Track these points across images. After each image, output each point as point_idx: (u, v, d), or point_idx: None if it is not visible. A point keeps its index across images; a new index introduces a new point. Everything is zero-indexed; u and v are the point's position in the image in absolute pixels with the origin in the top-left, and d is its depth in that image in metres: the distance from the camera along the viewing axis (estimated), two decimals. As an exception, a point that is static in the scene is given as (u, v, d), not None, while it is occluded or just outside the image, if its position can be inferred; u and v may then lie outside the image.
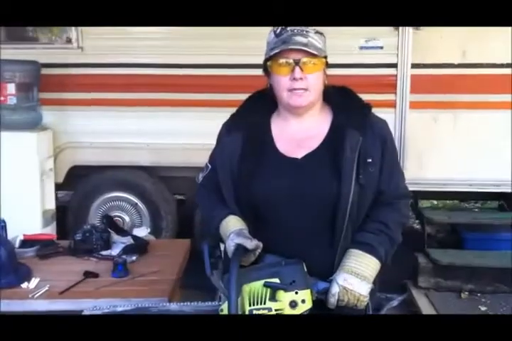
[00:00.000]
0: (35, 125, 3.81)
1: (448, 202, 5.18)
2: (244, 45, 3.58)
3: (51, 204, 4.03)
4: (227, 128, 1.78)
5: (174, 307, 1.82)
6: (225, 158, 1.73)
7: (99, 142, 4.03)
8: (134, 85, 3.96)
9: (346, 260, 1.63)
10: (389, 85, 3.78)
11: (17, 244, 2.61)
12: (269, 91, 1.73)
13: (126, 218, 4.25)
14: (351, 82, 3.64)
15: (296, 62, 1.61)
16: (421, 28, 3.63)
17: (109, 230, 2.65)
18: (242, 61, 3.62)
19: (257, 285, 1.51)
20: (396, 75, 3.76)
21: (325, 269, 1.63)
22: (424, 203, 4.97)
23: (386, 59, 3.74)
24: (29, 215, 3.76)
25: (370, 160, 1.67)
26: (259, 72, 1.75)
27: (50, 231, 3.94)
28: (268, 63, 1.67)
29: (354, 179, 1.63)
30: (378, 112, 3.73)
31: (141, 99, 3.98)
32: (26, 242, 2.61)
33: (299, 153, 1.70)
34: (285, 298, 1.49)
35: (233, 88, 3.47)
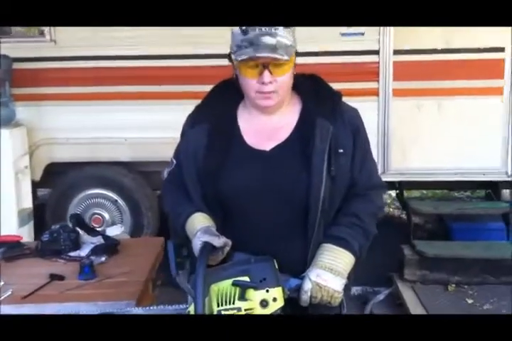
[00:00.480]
0: (8, 121, 3.71)
1: (437, 191, 5.10)
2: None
3: (28, 203, 3.94)
4: (192, 121, 1.69)
5: (139, 311, 1.72)
6: (189, 151, 1.65)
7: (76, 138, 3.93)
8: (110, 78, 3.86)
9: (319, 255, 1.56)
10: (371, 73, 3.69)
11: (-17, 246, 2.51)
12: (236, 81, 1.63)
13: (106, 215, 4.17)
14: (333, 70, 3.62)
15: (265, 66, 1.52)
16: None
17: (78, 230, 2.55)
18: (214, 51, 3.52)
19: (225, 285, 1.45)
20: (378, 62, 3.66)
21: (298, 265, 1.57)
22: (411, 193, 4.89)
23: (368, 45, 3.64)
24: (4, 215, 3.67)
25: (341, 151, 1.60)
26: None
27: (28, 230, 3.85)
28: (233, 59, 1.55)
29: (325, 170, 1.56)
30: (361, 101, 3.67)
31: (118, 93, 3.88)
32: (-8, 244, 2.51)
33: (267, 145, 1.63)
34: (255, 296, 1.43)
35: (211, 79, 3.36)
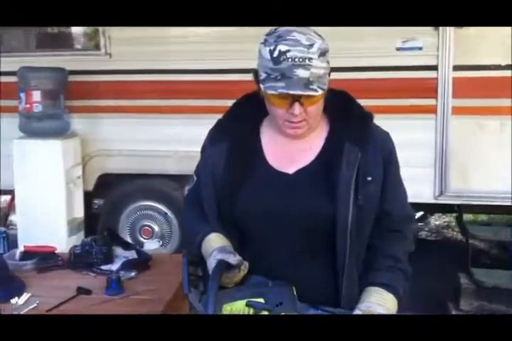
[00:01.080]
0: (62, 132, 3.79)
1: (499, 216, 4.81)
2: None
3: (79, 213, 3.99)
4: (212, 137, 1.61)
5: None
6: (207, 170, 1.57)
7: (128, 150, 3.96)
8: (163, 92, 3.87)
9: (366, 297, 1.49)
10: (429, 89, 3.50)
11: (17, 256, 2.52)
12: (261, 96, 1.51)
13: (156, 228, 4.16)
14: (388, 86, 3.47)
15: (296, 99, 1.41)
16: (463, 27, 3.34)
17: (112, 244, 2.52)
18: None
19: (239, 305, 1.39)
20: (436, 78, 3.48)
21: (319, 295, 1.50)
22: (470, 217, 4.62)
23: (425, 61, 3.47)
24: (54, 224, 3.74)
25: (370, 179, 1.50)
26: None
27: (77, 240, 3.89)
28: (261, 88, 1.44)
29: (352, 199, 1.46)
30: (417, 119, 3.51)
31: (171, 106, 3.89)
32: (26, 254, 2.52)
33: (290, 168, 1.53)
34: None
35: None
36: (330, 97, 1.55)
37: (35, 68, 3.64)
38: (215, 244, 1.50)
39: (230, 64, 3.72)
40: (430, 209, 4.25)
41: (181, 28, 3.42)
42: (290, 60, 1.38)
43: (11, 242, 2.78)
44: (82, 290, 2.24)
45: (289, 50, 1.38)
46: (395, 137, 3.58)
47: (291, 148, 1.55)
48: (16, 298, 2.18)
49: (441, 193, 3.65)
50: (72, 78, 3.80)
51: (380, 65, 3.49)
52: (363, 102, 3.60)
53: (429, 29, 3.37)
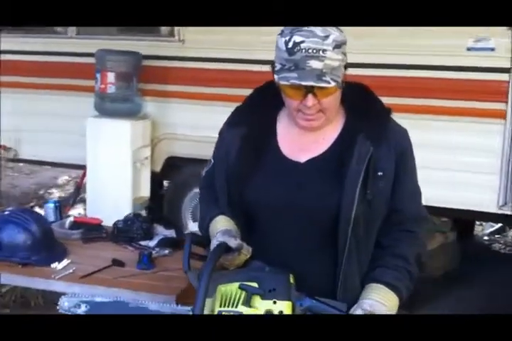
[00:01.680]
0: (133, 114, 3.96)
1: None
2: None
3: (145, 192, 4.17)
4: (229, 122, 1.65)
5: (153, 306, 1.72)
6: (222, 153, 1.61)
7: (195, 135, 4.04)
8: (233, 80, 3.93)
9: (368, 292, 1.49)
10: (499, 93, 3.34)
11: (67, 225, 2.71)
12: (278, 88, 1.52)
13: None
14: (455, 87, 3.35)
15: (309, 90, 1.42)
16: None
17: (154, 221, 2.66)
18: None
19: (232, 287, 1.42)
20: (508, 82, 3.31)
21: (319, 287, 1.49)
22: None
23: (497, 62, 3.30)
24: (120, 200, 3.91)
25: (381, 174, 1.49)
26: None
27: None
28: (275, 78, 1.46)
29: (358, 193, 1.46)
30: (484, 123, 3.38)
31: (239, 95, 3.93)
32: (75, 224, 2.70)
33: (302, 157, 1.55)
34: (261, 305, 1.39)
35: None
36: (349, 91, 1.55)
37: (111, 51, 3.83)
38: (221, 227, 1.54)
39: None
40: (491, 219, 4.05)
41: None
42: (304, 50, 1.39)
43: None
44: (116, 262, 2.39)
45: (303, 41, 1.39)
46: (458, 140, 3.45)
47: (305, 138, 1.57)
48: (56, 263, 2.36)
49: (505, 203, 3.49)
50: (146, 62, 3.96)
51: (449, 65, 3.37)
52: (427, 101, 3.50)
53: (503, 29, 3.21)
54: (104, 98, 3.85)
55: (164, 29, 3.99)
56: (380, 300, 1.46)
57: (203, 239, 1.63)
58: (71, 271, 2.31)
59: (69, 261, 2.39)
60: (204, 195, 1.71)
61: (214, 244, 1.47)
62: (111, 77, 3.78)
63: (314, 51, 1.39)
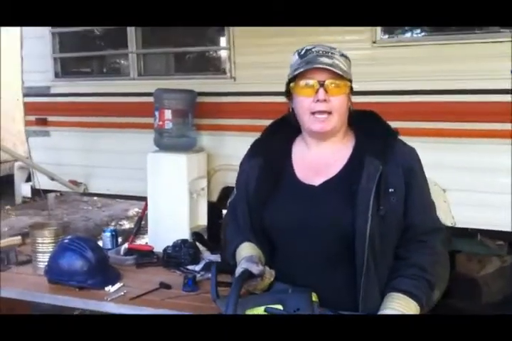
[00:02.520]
0: (189, 148, 4.18)
1: None
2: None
3: (203, 221, 4.35)
4: (249, 154, 1.80)
5: None
6: (242, 184, 1.75)
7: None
8: (282, 112, 4.09)
9: (389, 302, 1.57)
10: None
11: (122, 252, 2.92)
12: (292, 116, 1.71)
13: None
14: (500, 110, 3.36)
15: (321, 84, 1.58)
16: None
17: (199, 246, 2.81)
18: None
19: (258, 311, 1.50)
20: None
21: (341, 301, 1.59)
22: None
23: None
24: (179, 229, 4.09)
25: (392, 190, 1.60)
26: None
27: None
28: (291, 85, 1.64)
29: (371, 210, 1.57)
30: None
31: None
32: (129, 251, 2.91)
33: (316, 181, 1.67)
34: None
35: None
36: (357, 117, 1.70)
37: (168, 90, 4.09)
38: (245, 254, 1.66)
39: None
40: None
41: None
42: (315, 52, 1.60)
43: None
44: (163, 285, 2.55)
45: (314, 47, 1.62)
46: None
47: (318, 163, 1.69)
48: (110, 286, 2.55)
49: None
50: (201, 99, 4.20)
51: (492, 88, 3.39)
52: (472, 125, 3.47)
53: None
54: (162, 134, 4.09)
55: (217, 67, 4.23)
56: (400, 309, 1.53)
57: (229, 266, 1.72)
58: (122, 293, 2.50)
59: (121, 284, 2.58)
60: (229, 224, 1.83)
61: (238, 271, 1.58)
62: (168, 114, 4.03)
63: (324, 52, 1.60)
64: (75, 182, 4.82)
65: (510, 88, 3.35)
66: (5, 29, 5.98)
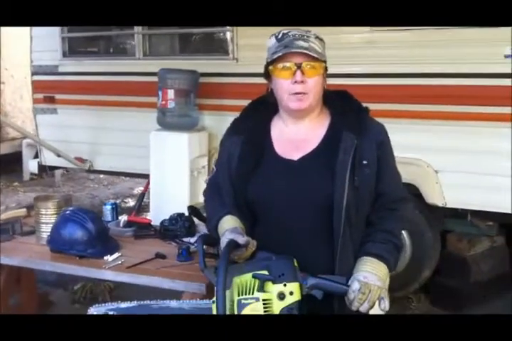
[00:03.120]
0: (190, 127, 4.29)
1: None
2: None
3: (202, 198, 4.46)
4: (229, 132, 1.90)
5: (174, 304, 1.89)
6: (224, 160, 1.84)
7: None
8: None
9: (361, 265, 1.70)
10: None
11: (121, 224, 3.05)
12: (270, 96, 1.81)
13: None
14: (494, 93, 3.43)
15: (298, 66, 1.68)
16: None
17: (195, 220, 2.94)
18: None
19: (246, 277, 1.60)
20: None
21: (321, 268, 1.69)
22: None
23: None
24: (179, 206, 4.20)
25: (365, 162, 1.72)
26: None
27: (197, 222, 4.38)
28: (270, 67, 1.74)
29: (348, 181, 1.69)
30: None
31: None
32: (129, 223, 3.04)
33: (295, 155, 1.78)
34: (273, 289, 1.58)
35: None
36: (332, 96, 1.82)
37: (172, 70, 4.19)
38: (228, 226, 1.75)
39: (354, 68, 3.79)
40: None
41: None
42: (291, 36, 1.69)
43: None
44: (158, 255, 2.68)
45: (289, 31, 1.71)
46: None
47: (296, 139, 1.79)
48: (108, 256, 2.69)
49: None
50: (204, 79, 4.29)
51: (486, 72, 3.46)
52: (465, 108, 3.51)
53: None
54: (165, 113, 4.20)
55: (220, 49, 4.31)
56: (372, 271, 1.66)
57: (212, 239, 1.83)
58: (119, 262, 2.63)
59: (119, 254, 2.71)
60: (209, 199, 1.93)
61: (224, 241, 1.68)
62: (171, 93, 4.13)
63: (300, 36, 1.69)
64: (80, 159, 4.94)
65: (503, 72, 3.43)
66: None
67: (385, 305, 1.61)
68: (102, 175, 7.07)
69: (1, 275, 3.00)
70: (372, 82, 3.72)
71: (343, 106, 1.80)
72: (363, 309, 1.61)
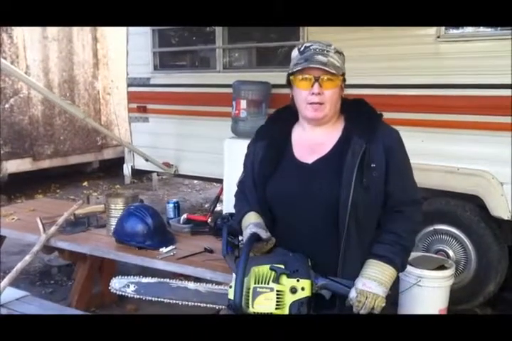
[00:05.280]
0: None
1: None
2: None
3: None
4: (255, 138, 2.05)
5: (191, 285, 1.96)
6: (249, 163, 2.01)
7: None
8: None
9: (365, 269, 1.80)
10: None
11: (181, 221, 3.35)
12: (293, 105, 1.95)
13: (450, 252, 3.91)
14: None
15: (316, 79, 1.80)
16: None
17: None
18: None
19: (264, 268, 1.73)
20: None
21: (328, 266, 1.81)
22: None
23: None
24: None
25: (373, 165, 1.81)
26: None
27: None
28: (291, 77, 1.89)
29: (354, 182, 1.78)
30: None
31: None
32: (187, 220, 3.34)
33: (310, 159, 1.90)
34: (287, 282, 1.70)
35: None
36: (348, 103, 1.95)
37: (245, 81, 4.45)
38: (252, 220, 1.89)
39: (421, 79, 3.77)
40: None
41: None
42: (312, 50, 1.82)
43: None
44: (207, 249, 2.94)
45: (311, 45, 1.85)
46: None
47: (313, 143, 1.93)
48: (164, 248, 2.99)
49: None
50: (276, 90, 4.48)
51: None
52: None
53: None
54: (238, 122, 4.46)
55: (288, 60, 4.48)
56: (373, 276, 1.75)
57: (235, 230, 1.97)
58: (172, 254, 2.92)
59: (174, 247, 3.01)
60: (239, 197, 2.09)
61: (248, 233, 1.81)
62: (243, 103, 4.38)
63: (320, 50, 1.82)
64: (167, 164, 5.31)
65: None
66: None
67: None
68: (195, 181, 7.49)
69: (82, 266, 3.37)
70: (445, 93, 3.72)
71: (357, 112, 1.91)
72: (361, 313, 1.72)
